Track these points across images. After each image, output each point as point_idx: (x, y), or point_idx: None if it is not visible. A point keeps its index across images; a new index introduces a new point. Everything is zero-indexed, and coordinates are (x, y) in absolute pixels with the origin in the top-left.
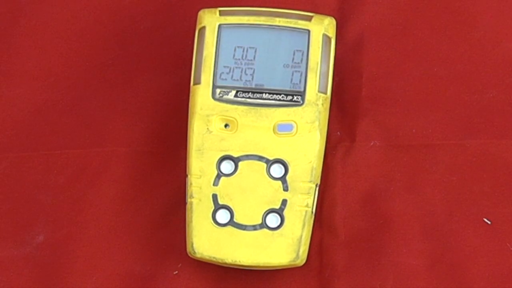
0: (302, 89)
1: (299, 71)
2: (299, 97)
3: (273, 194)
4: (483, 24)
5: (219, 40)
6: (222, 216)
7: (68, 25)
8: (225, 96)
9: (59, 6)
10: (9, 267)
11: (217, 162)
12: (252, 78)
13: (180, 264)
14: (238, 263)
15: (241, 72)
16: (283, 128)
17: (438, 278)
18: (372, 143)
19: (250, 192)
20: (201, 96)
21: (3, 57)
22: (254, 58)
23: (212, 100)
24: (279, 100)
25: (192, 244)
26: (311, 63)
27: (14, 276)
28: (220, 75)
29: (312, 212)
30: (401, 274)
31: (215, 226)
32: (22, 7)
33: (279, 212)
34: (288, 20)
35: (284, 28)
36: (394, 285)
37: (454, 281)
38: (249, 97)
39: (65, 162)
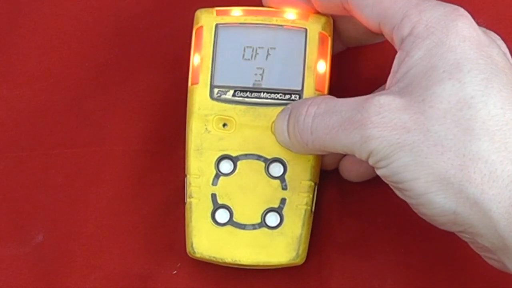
0: (299, 88)
1: (296, 70)
2: (297, 96)
3: (272, 193)
4: (481, 24)
5: (216, 40)
6: (222, 215)
7: (66, 25)
8: (223, 96)
9: (58, 6)
10: (8, 266)
11: (216, 161)
12: (250, 78)
13: (179, 264)
14: (238, 262)
15: (239, 71)
16: None
17: (438, 278)
18: None
19: (249, 192)
20: (199, 96)
21: (2, 57)
22: (252, 57)
23: (210, 99)
24: (277, 99)
25: (192, 244)
26: (309, 62)
27: (13, 276)
28: (218, 74)
29: (311, 210)
30: (400, 273)
31: (215, 226)
32: (21, 7)
33: (278, 211)
34: (285, 19)
35: (281, 27)
36: (393, 285)
37: (454, 281)
38: (247, 97)
39: (64, 161)
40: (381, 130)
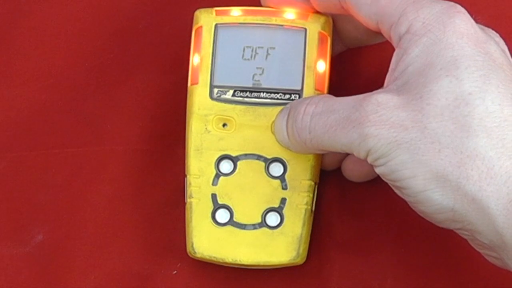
0: (299, 88)
1: (296, 70)
2: (296, 95)
3: (272, 193)
4: (479, 21)
5: (216, 40)
6: (222, 215)
7: (66, 25)
8: (222, 96)
9: (58, 6)
10: (8, 266)
11: (216, 161)
12: (249, 77)
13: (179, 264)
14: (238, 262)
15: (238, 71)
16: None
17: (437, 278)
18: None
19: (249, 191)
20: (199, 96)
21: (2, 57)
22: (251, 57)
23: (210, 99)
24: (277, 99)
25: (192, 244)
26: (308, 62)
27: (13, 275)
28: (218, 74)
29: (311, 210)
30: (400, 273)
31: (215, 226)
32: (21, 7)
33: (279, 210)
34: (285, 19)
35: (280, 27)
36: (393, 285)
37: (454, 280)
38: (247, 97)
39: (63, 161)
40: (379, 128)
